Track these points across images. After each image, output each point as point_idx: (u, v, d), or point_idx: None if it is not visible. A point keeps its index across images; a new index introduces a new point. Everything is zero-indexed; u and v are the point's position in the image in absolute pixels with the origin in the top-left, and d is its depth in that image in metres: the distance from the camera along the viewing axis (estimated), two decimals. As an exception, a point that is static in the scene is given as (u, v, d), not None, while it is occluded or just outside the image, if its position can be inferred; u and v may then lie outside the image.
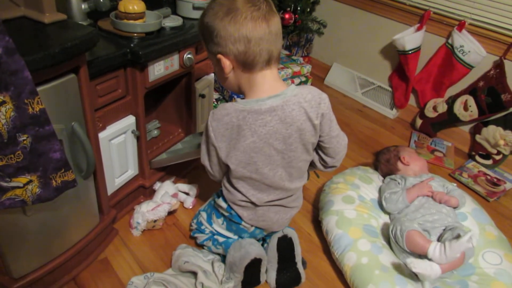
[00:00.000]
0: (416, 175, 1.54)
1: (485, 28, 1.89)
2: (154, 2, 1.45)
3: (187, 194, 1.54)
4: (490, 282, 1.25)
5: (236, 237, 1.23)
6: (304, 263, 1.32)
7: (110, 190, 1.32)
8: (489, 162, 2.01)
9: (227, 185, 1.14)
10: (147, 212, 1.36)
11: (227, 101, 2.11)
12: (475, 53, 1.92)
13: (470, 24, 1.93)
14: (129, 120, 1.29)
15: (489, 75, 1.93)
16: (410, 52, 2.08)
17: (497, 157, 1.99)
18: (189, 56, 1.36)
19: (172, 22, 1.32)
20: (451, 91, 2.12)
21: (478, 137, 2.05)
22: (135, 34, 1.21)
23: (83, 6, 1.20)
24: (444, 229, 1.30)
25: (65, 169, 0.96)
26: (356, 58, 2.47)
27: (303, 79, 2.28)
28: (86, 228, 1.23)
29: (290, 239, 1.24)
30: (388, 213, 1.46)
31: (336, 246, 1.34)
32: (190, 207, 1.51)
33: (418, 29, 2.08)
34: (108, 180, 1.28)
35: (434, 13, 2.03)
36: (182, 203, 1.52)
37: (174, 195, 1.48)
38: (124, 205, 1.44)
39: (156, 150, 1.50)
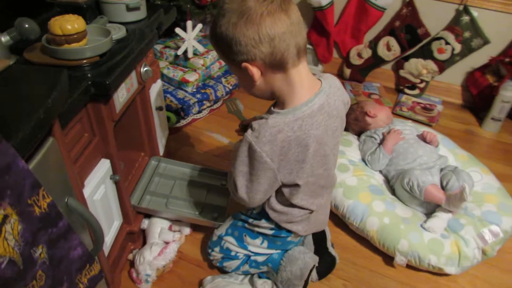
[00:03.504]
0: (386, 124, 1.60)
1: (390, -31, 1.99)
2: (75, 12, 1.15)
3: (178, 221, 1.35)
4: (483, 197, 1.39)
5: (278, 251, 1.14)
6: (332, 244, 1.29)
7: (105, 252, 1.08)
8: (416, 91, 2.19)
9: (278, 206, 1.02)
10: (154, 260, 1.16)
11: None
12: (386, -4, 2.01)
13: (376, -32, 2.00)
14: (104, 165, 1.04)
15: (403, 14, 2.05)
16: (326, 7, 2.09)
17: (421, 85, 2.19)
18: (146, 69, 1.14)
19: (116, 33, 1.07)
20: (369, 36, 2.21)
21: (402, 72, 2.21)
22: (85, 61, 0.95)
23: (3, 39, 0.88)
24: (442, 170, 1.39)
25: (90, 263, 0.73)
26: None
27: (228, 58, 2.14)
28: (98, 308, 1.00)
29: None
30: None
31: (353, 217, 1.33)
32: (189, 233, 1.34)
33: (327, -18, 2.08)
34: (101, 243, 1.04)
35: (340, -37, 2.05)
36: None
37: (170, 228, 1.29)
38: (117, 262, 1.21)
39: (129, 185, 1.27)
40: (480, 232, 1.27)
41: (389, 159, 1.46)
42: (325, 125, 0.91)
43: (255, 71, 0.83)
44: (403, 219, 1.29)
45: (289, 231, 1.08)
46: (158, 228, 1.26)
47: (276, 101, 0.92)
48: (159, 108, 1.38)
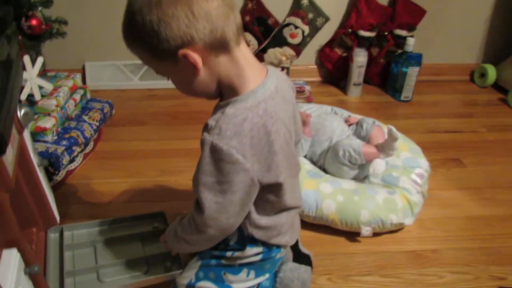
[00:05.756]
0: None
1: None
2: None
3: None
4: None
5: (267, 275, 0.96)
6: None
7: None
8: (282, 79, 2.26)
9: (264, 221, 0.84)
10: None
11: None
12: (230, -7, 2.00)
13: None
14: (11, 258, 0.69)
15: (249, 9, 2.08)
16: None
17: (283, 72, 2.27)
18: (24, 110, 0.81)
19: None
20: (223, 36, 2.18)
21: (263, 64, 2.24)
22: None
23: None
24: (349, 135, 1.45)
25: None
26: (113, 46, 2.12)
27: (82, 91, 1.79)
28: None
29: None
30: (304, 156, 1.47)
31: (308, 207, 1.25)
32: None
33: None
34: None
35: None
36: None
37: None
38: None
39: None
40: (411, 178, 1.35)
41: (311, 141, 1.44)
42: (284, 110, 0.80)
43: (196, 57, 0.69)
44: (353, 191, 1.27)
45: (279, 247, 0.92)
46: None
47: (224, 94, 0.77)
48: (43, 164, 1.02)
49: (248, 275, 0.92)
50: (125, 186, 1.47)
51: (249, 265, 0.91)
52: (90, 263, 1.00)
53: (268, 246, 0.90)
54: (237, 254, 0.89)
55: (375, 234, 1.27)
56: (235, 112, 0.71)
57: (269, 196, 0.81)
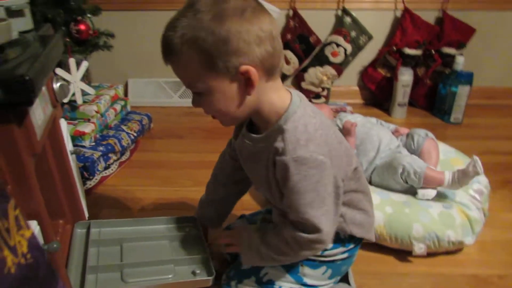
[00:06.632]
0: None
1: (271, -15, 2.00)
2: None
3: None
4: (450, 162, 1.34)
5: (333, 280, 0.93)
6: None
7: None
8: (322, 100, 2.20)
9: (358, 215, 0.87)
10: None
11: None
12: (272, 12, 2.00)
13: (258, -15, 1.99)
14: (30, 231, 0.63)
15: (292, 27, 2.06)
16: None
17: (324, 93, 2.20)
18: (60, 83, 0.78)
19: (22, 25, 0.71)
20: (264, 55, 2.17)
21: (303, 84, 2.20)
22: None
23: None
24: (398, 145, 1.33)
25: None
26: (153, 64, 2.16)
27: (122, 102, 1.80)
28: None
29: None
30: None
31: (352, 220, 1.13)
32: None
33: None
34: None
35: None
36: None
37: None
38: None
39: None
40: (469, 194, 1.21)
41: (356, 150, 1.33)
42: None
43: (257, 76, 0.68)
44: (403, 203, 1.15)
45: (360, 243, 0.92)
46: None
47: (258, 124, 0.78)
48: (76, 152, 0.99)
49: (325, 272, 0.90)
50: (159, 194, 1.42)
51: (330, 263, 0.89)
52: (114, 261, 0.92)
53: (356, 243, 0.90)
54: (327, 252, 0.87)
55: (429, 254, 1.12)
56: (293, 124, 0.72)
57: (351, 183, 0.82)
